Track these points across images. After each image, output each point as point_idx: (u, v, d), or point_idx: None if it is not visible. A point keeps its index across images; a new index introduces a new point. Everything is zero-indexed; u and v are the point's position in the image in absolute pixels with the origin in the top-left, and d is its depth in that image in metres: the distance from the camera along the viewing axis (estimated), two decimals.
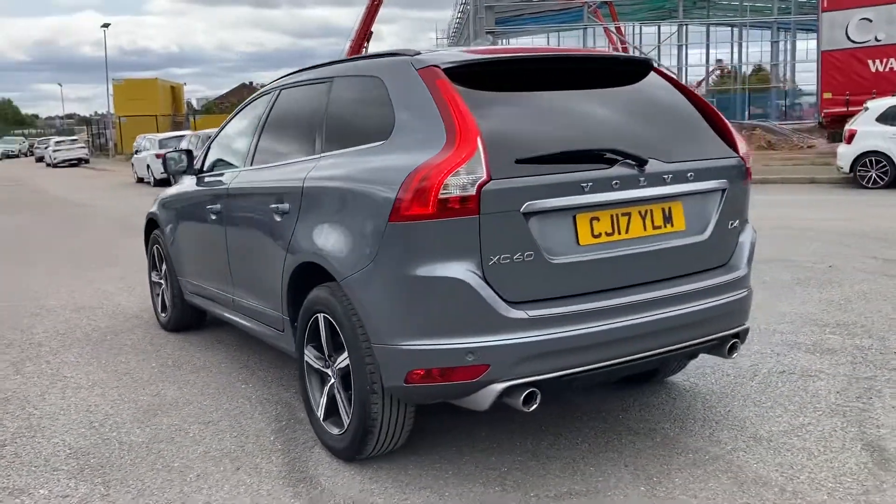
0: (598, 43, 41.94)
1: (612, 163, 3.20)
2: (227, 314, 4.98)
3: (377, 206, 3.12)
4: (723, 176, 3.53)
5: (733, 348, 3.62)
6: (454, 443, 3.75)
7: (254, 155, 4.57)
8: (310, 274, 3.58)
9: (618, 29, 39.80)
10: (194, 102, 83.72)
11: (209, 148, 5.39)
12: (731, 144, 3.65)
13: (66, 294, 7.77)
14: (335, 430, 3.57)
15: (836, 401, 4.09)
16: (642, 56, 4.03)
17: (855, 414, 3.91)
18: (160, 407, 4.44)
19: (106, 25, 54.46)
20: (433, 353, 2.99)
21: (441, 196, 2.94)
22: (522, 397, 3.04)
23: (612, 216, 3.23)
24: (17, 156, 65.38)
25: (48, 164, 43.54)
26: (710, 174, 3.51)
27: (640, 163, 3.26)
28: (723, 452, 3.53)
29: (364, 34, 40.03)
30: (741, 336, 3.64)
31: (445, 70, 3.25)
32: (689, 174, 3.41)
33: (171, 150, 7.10)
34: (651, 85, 3.73)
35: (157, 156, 21.92)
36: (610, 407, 4.12)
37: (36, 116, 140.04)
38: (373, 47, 39.70)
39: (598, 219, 3.19)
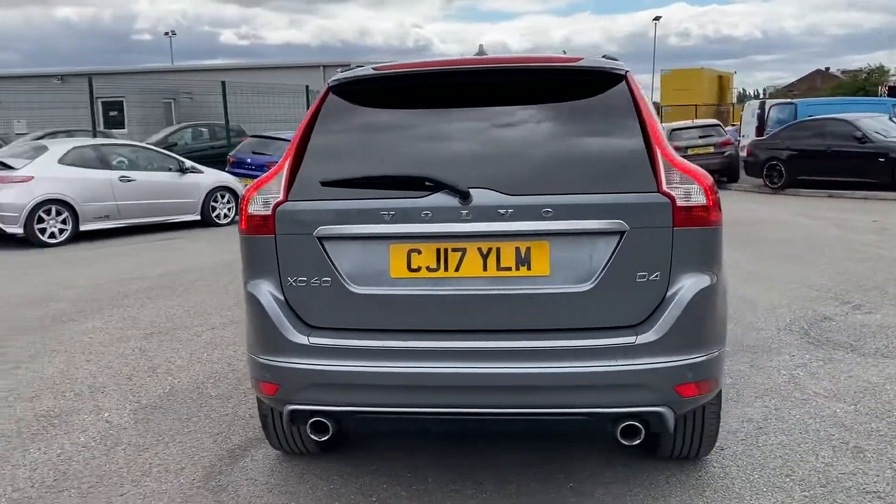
0: None
1: (433, 190, 2.84)
2: None
3: None
4: (619, 215, 2.78)
5: (631, 434, 2.86)
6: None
7: None
8: None
9: None
10: (764, 91, 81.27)
11: None
12: (656, 178, 2.83)
13: None
14: None
15: None
16: (591, 66, 3.10)
17: None
18: None
19: (657, 18, 56.54)
20: (255, 364, 3.09)
21: (248, 213, 3.02)
22: (309, 425, 2.97)
23: (438, 250, 2.86)
24: None
25: None
26: (593, 212, 2.79)
27: (462, 194, 2.81)
28: None
29: None
30: (648, 421, 2.85)
31: (332, 87, 3.23)
32: (544, 210, 2.79)
33: None
34: (580, 99, 3.07)
35: None
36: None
37: None
38: None
39: (418, 251, 2.87)
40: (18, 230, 11.13)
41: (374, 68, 3.27)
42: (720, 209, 2.94)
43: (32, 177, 11.26)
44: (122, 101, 26.39)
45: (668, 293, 2.81)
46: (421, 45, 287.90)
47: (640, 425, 2.82)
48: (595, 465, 3.51)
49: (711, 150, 18.67)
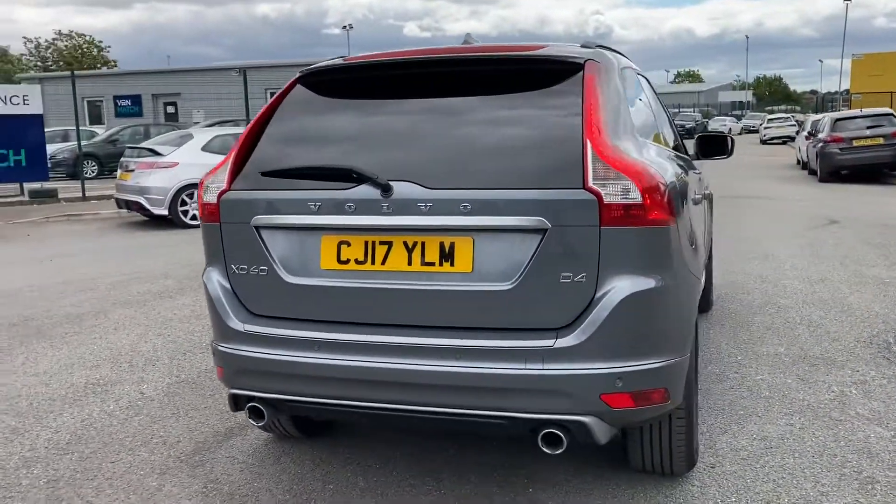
0: None
1: (358, 182, 2.80)
2: None
3: None
4: (539, 212, 2.63)
5: (553, 441, 2.70)
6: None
7: None
8: None
9: None
10: None
11: None
12: (583, 174, 2.63)
13: None
14: None
15: None
16: (546, 55, 2.99)
17: None
18: None
19: None
20: (212, 348, 3.20)
21: (202, 201, 3.13)
22: (247, 409, 3.04)
23: (366, 243, 2.83)
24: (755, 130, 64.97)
25: (761, 141, 44.50)
26: (512, 208, 2.65)
27: (383, 187, 2.75)
28: None
29: None
30: (571, 430, 2.68)
31: (299, 78, 3.26)
32: (462, 205, 2.68)
33: None
34: (531, 90, 2.92)
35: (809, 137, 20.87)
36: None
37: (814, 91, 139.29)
38: None
39: (348, 243, 2.85)
40: (163, 212, 12.08)
41: (342, 59, 3.29)
42: (670, 209, 2.72)
43: (177, 163, 12.16)
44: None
45: (597, 296, 2.64)
46: (601, 33, 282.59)
47: (561, 434, 2.67)
48: (565, 473, 3.36)
49: (881, 140, 17.09)
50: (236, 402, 3.03)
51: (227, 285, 3.04)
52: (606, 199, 2.59)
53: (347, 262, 2.84)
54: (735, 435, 3.70)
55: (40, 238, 11.58)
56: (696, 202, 3.78)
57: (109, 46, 75.09)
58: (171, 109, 30.51)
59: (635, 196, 2.61)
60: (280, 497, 3.25)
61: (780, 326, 5.54)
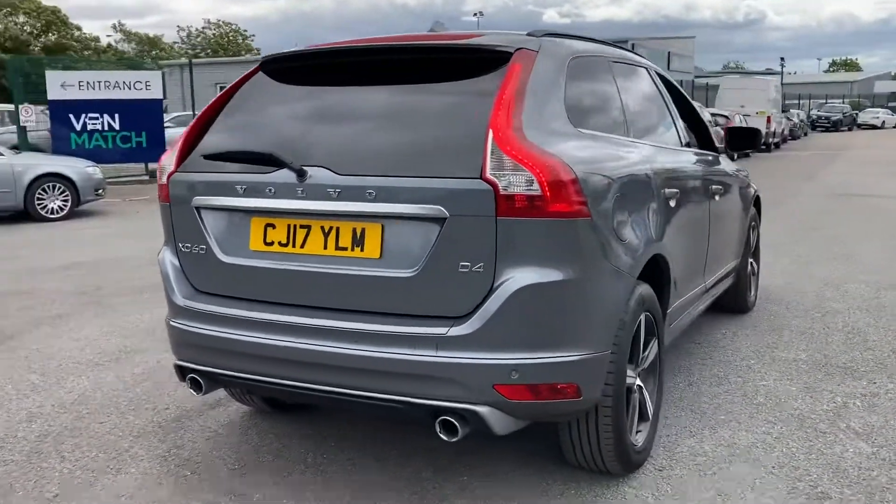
0: None
1: (279, 167, 2.89)
2: None
3: None
4: (439, 201, 2.63)
5: (448, 429, 2.71)
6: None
7: None
8: None
9: None
10: None
11: None
12: (482, 164, 2.61)
13: None
14: None
15: None
16: (475, 44, 2.99)
17: None
18: None
19: None
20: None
21: (158, 182, 3.31)
22: (187, 380, 3.20)
23: (289, 226, 2.92)
24: None
25: None
26: (413, 196, 2.66)
27: (298, 172, 2.82)
28: None
29: None
30: (467, 417, 2.68)
31: (261, 65, 3.38)
32: (368, 192, 2.72)
33: None
34: (456, 80, 2.91)
35: None
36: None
37: None
38: None
39: (273, 226, 2.95)
40: None
41: (307, 48, 3.40)
42: (581, 202, 2.66)
43: None
44: None
45: (494, 286, 2.62)
46: (752, 19, 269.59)
47: (455, 422, 2.68)
48: (511, 464, 3.35)
49: None
50: (182, 373, 3.20)
51: (177, 263, 3.21)
52: (503, 190, 2.57)
53: (272, 244, 2.94)
54: (702, 440, 3.57)
55: (146, 215, 12.37)
56: (682, 199, 3.66)
57: (254, 35, 78.56)
58: None
59: (535, 188, 2.57)
60: (229, 466, 3.41)
61: (816, 332, 5.24)
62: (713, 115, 23.16)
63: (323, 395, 2.90)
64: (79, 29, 68.84)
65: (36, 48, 63.12)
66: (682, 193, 3.77)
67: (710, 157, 4.76)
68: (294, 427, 3.80)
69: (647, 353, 3.35)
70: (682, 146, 4.23)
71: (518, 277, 2.61)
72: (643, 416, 3.36)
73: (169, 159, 3.22)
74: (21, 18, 65.73)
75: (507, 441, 3.45)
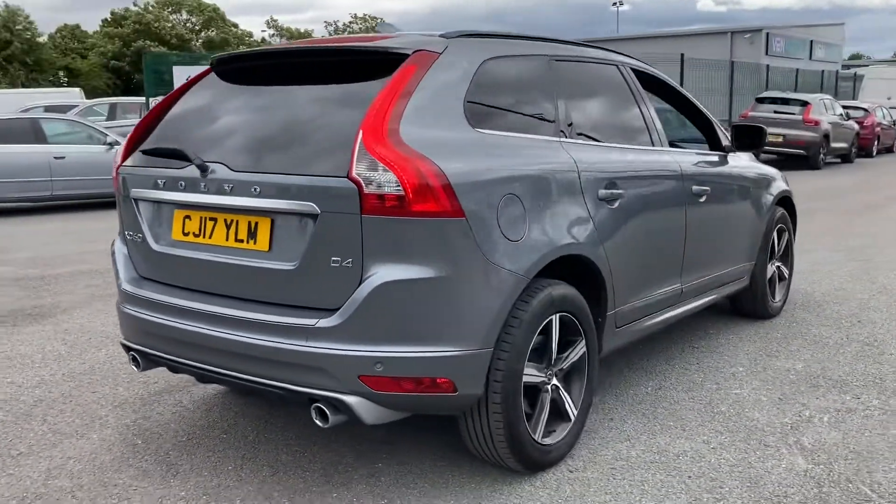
0: None
1: (190, 162, 3.10)
2: None
3: None
4: (312, 198, 2.77)
5: (322, 415, 2.84)
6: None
7: None
8: None
9: None
10: None
11: None
12: (350, 163, 2.71)
13: None
14: None
15: None
16: (373, 47, 3.11)
17: None
18: None
19: None
20: None
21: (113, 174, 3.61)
22: (129, 358, 3.48)
23: (201, 218, 3.12)
24: None
25: None
26: (290, 193, 2.80)
27: (201, 168, 3.02)
28: None
29: None
30: (337, 406, 2.80)
31: (213, 65, 3.60)
32: (253, 188, 2.88)
33: None
34: (356, 81, 3.02)
35: None
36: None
37: None
38: None
39: (189, 217, 3.16)
40: None
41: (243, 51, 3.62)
42: (445, 201, 2.73)
43: None
44: None
45: (362, 281, 2.74)
46: None
47: (326, 409, 2.82)
48: (431, 456, 3.44)
49: None
50: (127, 350, 3.50)
51: (125, 250, 3.50)
52: (367, 189, 2.68)
53: (188, 234, 3.17)
54: (635, 445, 3.52)
55: None
56: (633, 200, 3.68)
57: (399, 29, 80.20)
58: None
59: (397, 188, 2.66)
60: (178, 438, 3.69)
61: (831, 342, 4.97)
62: (847, 107, 21.72)
63: (225, 379, 3.10)
64: (235, 26, 72.85)
65: (197, 43, 67.36)
66: (635, 194, 3.71)
67: (702, 158, 4.61)
68: (255, 408, 4.03)
69: (567, 353, 3.34)
70: (657, 146, 4.13)
71: (381, 273, 2.71)
72: (563, 417, 3.36)
73: (119, 152, 3.51)
74: (184, 15, 70.33)
75: (438, 433, 3.56)
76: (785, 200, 5.54)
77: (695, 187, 4.26)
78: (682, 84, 21.86)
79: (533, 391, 3.22)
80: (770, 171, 5.42)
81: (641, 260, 3.82)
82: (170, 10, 67.24)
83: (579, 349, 3.39)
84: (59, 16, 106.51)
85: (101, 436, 3.73)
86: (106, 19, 65.04)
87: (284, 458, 3.46)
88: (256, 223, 2.95)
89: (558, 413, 3.35)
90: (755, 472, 3.24)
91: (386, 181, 2.67)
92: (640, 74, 4.33)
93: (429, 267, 2.74)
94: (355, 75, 3.04)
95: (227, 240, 3.04)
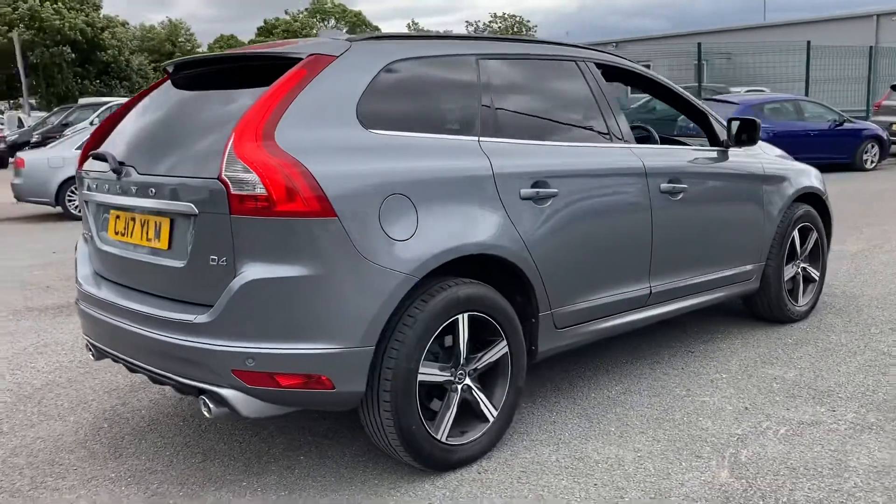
0: None
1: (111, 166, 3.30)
2: None
3: None
4: (191, 199, 2.91)
5: (206, 406, 2.97)
6: None
7: None
8: None
9: None
10: None
11: None
12: (220, 166, 2.81)
13: None
14: None
15: None
16: (269, 52, 3.33)
17: None
18: None
19: None
20: None
21: None
22: (85, 347, 3.75)
23: (126, 218, 3.33)
24: None
25: None
26: (175, 194, 2.97)
27: (116, 171, 3.21)
28: None
29: None
30: (216, 397, 2.93)
31: (166, 72, 3.81)
32: (150, 189, 3.04)
33: None
34: (257, 87, 3.11)
35: None
36: None
37: None
38: None
39: (119, 218, 3.39)
40: None
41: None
42: (314, 202, 2.80)
43: None
44: (648, 65, 27.41)
45: (233, 281, 2.86)
46: None
47: (208, 401, 2.95)
48: (346, 451, 3.52)
49: None
50: (87, 341, 3.79)
51: (83, 248, 3.79)
52: (234, 190, 2.79)
53: (118, 233, 3.40)
54: (559, 449, 3.45)
55: None
56: (569, 199, 3.62)
57: (535, 26, 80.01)
58: None
59: (261, 190, 2.76)
60: (140, 424, 3.93)
61: (846, 350, 4.62)
62: None
63: (141, 371, 3.29)
64: (377, 28, 75.15)
65: None
66: (575, 193, 3.62)
67: (687, 154, 4.41)
68: None
69: (483, 354, 3.32)
70: (617, 143, 3.99)
71: (249, 272, 2.82)
72: (480, 417, 3.34)
73: (79, 155, 3.80)
74: (332, 22, 73.25)
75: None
76: (811, 197, 5.18)
77: (664, 185, 4.08)
78: (807, 74, 20.61)
79: (439, 390, 3.22)
80: (789, 166, 5.08)
81: (586, 260, 3.71)
82: (318, 17, 70.22)
83: (499, 350, 3.35)
84: (217, 26, 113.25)
85: (77, 418, 4.04)
86: (259, 28, 68.82)
87: (220, 447, 3.63)
88: (160, 223, 3.13)
89: (475, 413, 3.33)
90: (667, 485, 3.10)
91: (251, 183, 2.77)
92: (611, 70, 4.20)
93: (298, 265, 2.81)
94: (252, 81, 3.15)
95: (141, 238, 3.24)
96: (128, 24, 58.68)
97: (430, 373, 3.14)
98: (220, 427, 3.84)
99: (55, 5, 47.01)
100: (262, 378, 2.86)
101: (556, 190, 3.53)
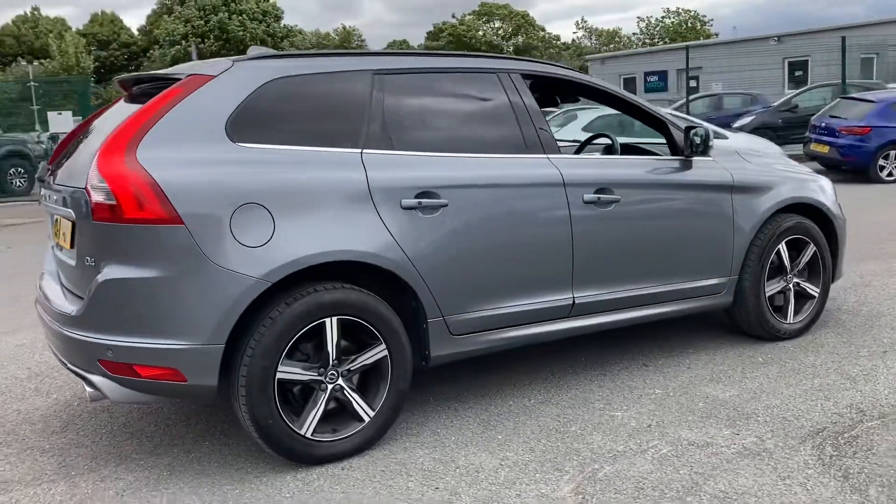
0: None
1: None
2: None
3: None
4: (70, 205, 3.33)
5: (87, 389, 3.35)
6: None
7: None
8: None
9: None
10: None
11: None
12: (87, 177, 3.17)
13: None
14: None
15: None
16: (162, 74, 3.68)
17: None
18: None
19: None
20: None
21: None
22: None
23: (57, 221, 3.78)
24: None
25: None
26: (64, 201, 3.38)
27: (40, 179, 3.65)
28: None
29: None
30: (89, 382, 3.29)
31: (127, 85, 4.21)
32: (55, 197, 3.47)
33: None
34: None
35: None
36: None
37: None
38: None
39: (56, 221, 3.84)
40: None
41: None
42: (160, 210, 3.10)
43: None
44: (806, 60, 25.84)
45: (98, 279, 3.21)
46: None
47: (86, 386, 3.34)
48: (245, 445, 3.79)
49: None
50: None
51: (49, 251, 4.30)
52: (93, 199, 3.15)
53: (55, 234, 3.87)
54: (432, 453, 3.54)
55: None
56: (462, 209, 3.70)
57: (712, 20, 76.84)
58: (692, 83, 30.90)
59: (112, 199, 3.10)
60: (108, 404, 4.41)
61: (813, 373, 4.35)
62: None
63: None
64: (543, 29, 74.95)
65: (509, 49, 70.50)
66: (470, 203, 3.70)
67: (630, 164, 4.33)
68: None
69: (358, 356, 3.49)
70: (535, 154, 3.99)
71: (106, 272, 3.17)
72: (355, 417, 3.51)
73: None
74: (496, 24, 74.00)
75: None
76: (804, 208, 4.88)
77: (588, 195, 4.03)
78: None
79: (306, 389, 3.42)
80: (773, 175, 4.80)
81: (484, 270, 3.77)
82: (484, 19, 71.12)
83: (376, 353, 3.51)
84: (389, 32, 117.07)
85: (59, 396, 4.58)
86: (429, 32, 70.72)
87: (149, 430, 4.01)
88: (67, 226, 3.55)
89: (350, 413, 3.51)
90: (504, 495, 3.14)
91: (104, 192, 3.11)
92: (546, 80, 4.21)
93: (149, 268, 3.12)
94: (146, 99, 3.49)
95: (62, 240, 3.68)
96: (302, 31, 62.14)
97: (291, 371, 3.35)
98: (172, 412, 4.22)
99: (240, 17, 50.78)
100: (122, 368, 3.19)
101: (445, 200, 3.62)
